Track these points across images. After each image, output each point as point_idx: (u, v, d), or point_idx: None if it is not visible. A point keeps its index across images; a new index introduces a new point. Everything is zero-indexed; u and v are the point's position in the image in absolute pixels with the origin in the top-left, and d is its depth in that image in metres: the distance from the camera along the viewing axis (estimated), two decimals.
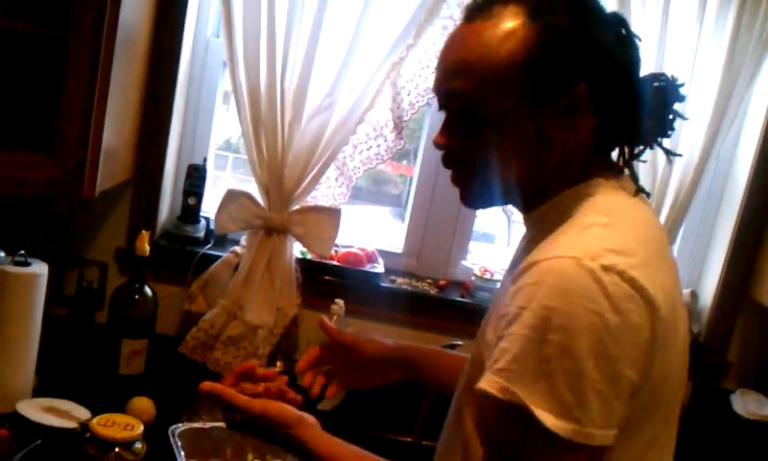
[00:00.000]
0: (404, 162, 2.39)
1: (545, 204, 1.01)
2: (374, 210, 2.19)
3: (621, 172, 1.03)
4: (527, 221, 1.07)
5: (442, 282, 2.05)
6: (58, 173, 1.42)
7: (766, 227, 1.96)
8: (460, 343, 1.91)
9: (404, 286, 2.01)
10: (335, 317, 1.87)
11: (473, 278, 2.05)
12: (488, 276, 2.03)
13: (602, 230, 0.92)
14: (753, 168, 1.95)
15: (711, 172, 2.00)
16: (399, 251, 2.12)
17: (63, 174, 1.43)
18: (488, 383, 0.88)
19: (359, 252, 2.01)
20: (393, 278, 2.03)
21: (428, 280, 2.07)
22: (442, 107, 1.02)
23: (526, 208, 1.05)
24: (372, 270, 1.99)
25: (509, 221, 2.44)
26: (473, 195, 1.04)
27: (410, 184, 2.18)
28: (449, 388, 1.26)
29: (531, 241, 1.01)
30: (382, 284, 1.99)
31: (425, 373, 1.37)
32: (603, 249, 0.87)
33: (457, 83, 0.97)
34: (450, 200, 2.06)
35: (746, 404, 1.86)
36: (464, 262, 2.12)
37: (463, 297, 2.02)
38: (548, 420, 0.84)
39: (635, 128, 1.01)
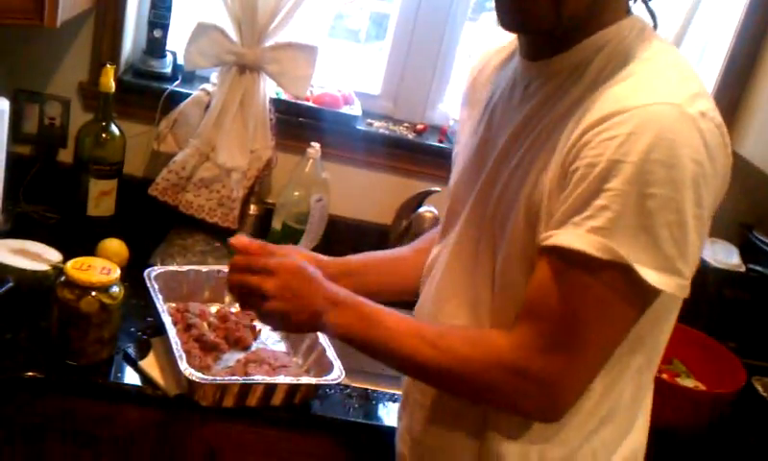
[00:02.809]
0: None
1: (573, 47, 0.95)
2: (333, 45, 2.08)
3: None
4: (548, 67, 0.98)
5: (420, 127, 1.99)
6: (18, 1, 1.30)
7: (751, 77, 1.92)
8: (437, 190, 1.89)
9: (381, 130, 1.96)
10: (311, 161, 1.82)
11: (451, 122, 1.99)
12: None
13: (678, 71, 0.88)
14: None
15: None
16: (376, 93, 2.05)
17: (24, 1, 1.31)
18: (583, 243, 0.85)
19: (336, 93, 1.93)
20: (370, 121, 1.97)
21: (406, 124, 2.01)
22: None
23: (549, 49, 0.97)
24: (348, 112, 1.92)
25: None
26: (535, 10, 0.92)
27: (368, 19, 2.08)
28: (388, 293, 1.25)
29: (572, 88, 0.94)
30: (359, 127, 1.93)
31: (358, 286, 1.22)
32: (693, 93, 0.85)
33: None
34: (430, 41, 1.98)
35: (715, 253, 1.89)
36: (441, 106, 2.06)
37: (441, 142, 1.97)
38: (650, 276, 0.83)
39: None
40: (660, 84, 0.86)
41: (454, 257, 1.10)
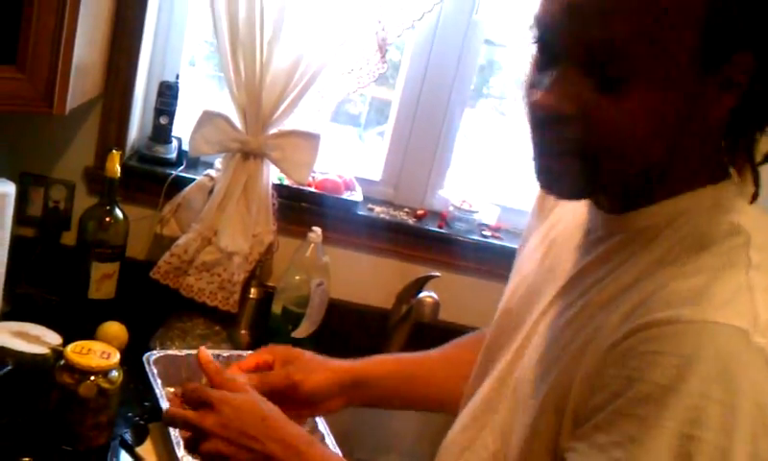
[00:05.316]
0: None
1: (644, 208, 0.79)
2: (334, 129, 2.12)
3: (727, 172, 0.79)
4: (615, 223, 0.83)
5: (420, 212, 2.02)
6: (28, 89, 1.33)
7: None
8: (437, 275, 1.90)
9: (382, 215, 1.98)
10: (312, 245, 1.83)
11: (451, 208, 2.02)
12: (466, 207, 2.00)
13: (763, 276, 0.71)
14: None
15: None
16: (377, 179, 2.08)
17: (34, 90, 1.34)
18: None
19: (337, 179, 1.96)
20: (371, 206, 2.00)
21: (406, 210, 2.03)
22: (557, 55, 0.74)
23: (619, 206, 0.82)
24: (349, 198, 1.95)
25: None
26: (574, 183, 0.78)
27: (368, 104, 2.13)
28: (416, 402, 1.19)
29: (629, 259, 0.79)
30: (360, 213, 1.95)
31: (382, 390, 1.17)
32: None
33: (609, 25, 0.69)
34: (430, 127, 2.02)
35: None
36: (441, 191, 2.09)
37: (440, 227, 1.99)
38: None
39: None
40: (731, 295, 0.69)
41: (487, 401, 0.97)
